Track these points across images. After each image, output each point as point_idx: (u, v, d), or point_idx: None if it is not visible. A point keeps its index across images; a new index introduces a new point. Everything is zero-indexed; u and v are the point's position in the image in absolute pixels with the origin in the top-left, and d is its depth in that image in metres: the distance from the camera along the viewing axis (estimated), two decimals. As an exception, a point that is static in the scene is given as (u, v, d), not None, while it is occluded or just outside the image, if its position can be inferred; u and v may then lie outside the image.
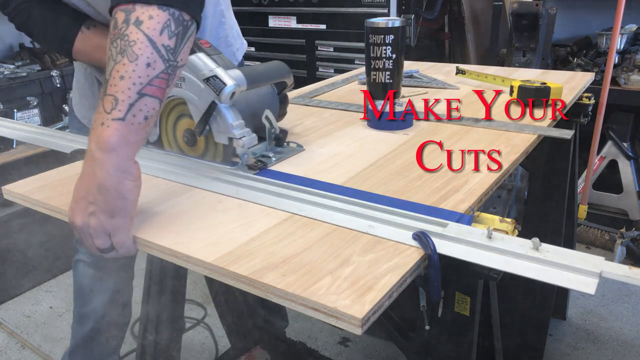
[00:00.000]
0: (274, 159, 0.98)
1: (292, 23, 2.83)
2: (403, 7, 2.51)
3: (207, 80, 0.89)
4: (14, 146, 2.70)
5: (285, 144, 1.05)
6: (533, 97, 1.25)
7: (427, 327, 0.77)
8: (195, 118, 0.93)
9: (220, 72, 0.88)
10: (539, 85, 1.26)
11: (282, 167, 0.97)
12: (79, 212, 0.73)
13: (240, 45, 1.41)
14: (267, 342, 1.66)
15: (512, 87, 1.30)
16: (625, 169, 2.45)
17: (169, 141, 1.04)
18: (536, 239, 0.65)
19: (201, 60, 0.90)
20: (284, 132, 1.04)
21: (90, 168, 0.72)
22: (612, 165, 2.49)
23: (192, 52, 0.90)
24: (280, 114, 1.10)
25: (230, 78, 0.89)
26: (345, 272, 0.63)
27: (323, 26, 2.73)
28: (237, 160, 0.96)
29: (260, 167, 0.95)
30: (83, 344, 1.62)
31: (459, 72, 1.57)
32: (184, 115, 0.99)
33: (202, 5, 0.79)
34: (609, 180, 2.50)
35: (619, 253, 2.28)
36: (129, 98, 0.71)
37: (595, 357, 1.87)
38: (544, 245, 0.65)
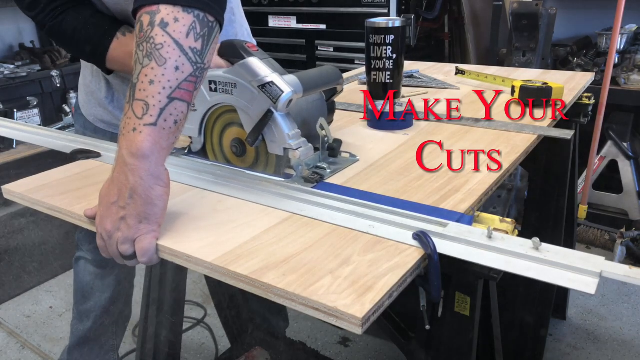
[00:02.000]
0: (328, 170, 0.92)
1: (292, 23, 2.83)
2: (403, 7, 2.51)
3: (262, 86, 0.83)
4: (14, 146, 2.70)
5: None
6: (534, 97, 1.25)
7: (427, 327, 0.77)
8: (246, 127, 0.87)
9: (276, 78, 0.82)
10: (540, 85, 1.26)
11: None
12: (110, 217, 0.72)
13: None
14: (267, 342, 1.66)
15: (513, 87, 1.30)
16: (625, 169, 2.45)
17: (215, 151, 0.98)
18: (536, 239, 0.65)
19: (254, 65, 0.83)
20: (338, 142, 0.96)
21: (122, 174, 0.71)
22: (612, 165, 2.49)
23: (242, 56, 0.85)
24: (328, 122, 1.01)
25: (287, 84, 0.83)
26: (346, 271, 0.63)
27: (323, 26, 2.73)
28: (291, 173, 0.89)
29: (317, 180, 0.89)
30: (82, 341, 1.62)
31: (459, 72, 1.57)
32: (232, 124, 0.93)
33: (225, 6, 0.78)
34: (609, 180, 2.50)
35: (619, 253, 2.28)
36: (160, 103, 0.70)
37: (595, 357, 1.87)
38: (544, 245, 0.65)
